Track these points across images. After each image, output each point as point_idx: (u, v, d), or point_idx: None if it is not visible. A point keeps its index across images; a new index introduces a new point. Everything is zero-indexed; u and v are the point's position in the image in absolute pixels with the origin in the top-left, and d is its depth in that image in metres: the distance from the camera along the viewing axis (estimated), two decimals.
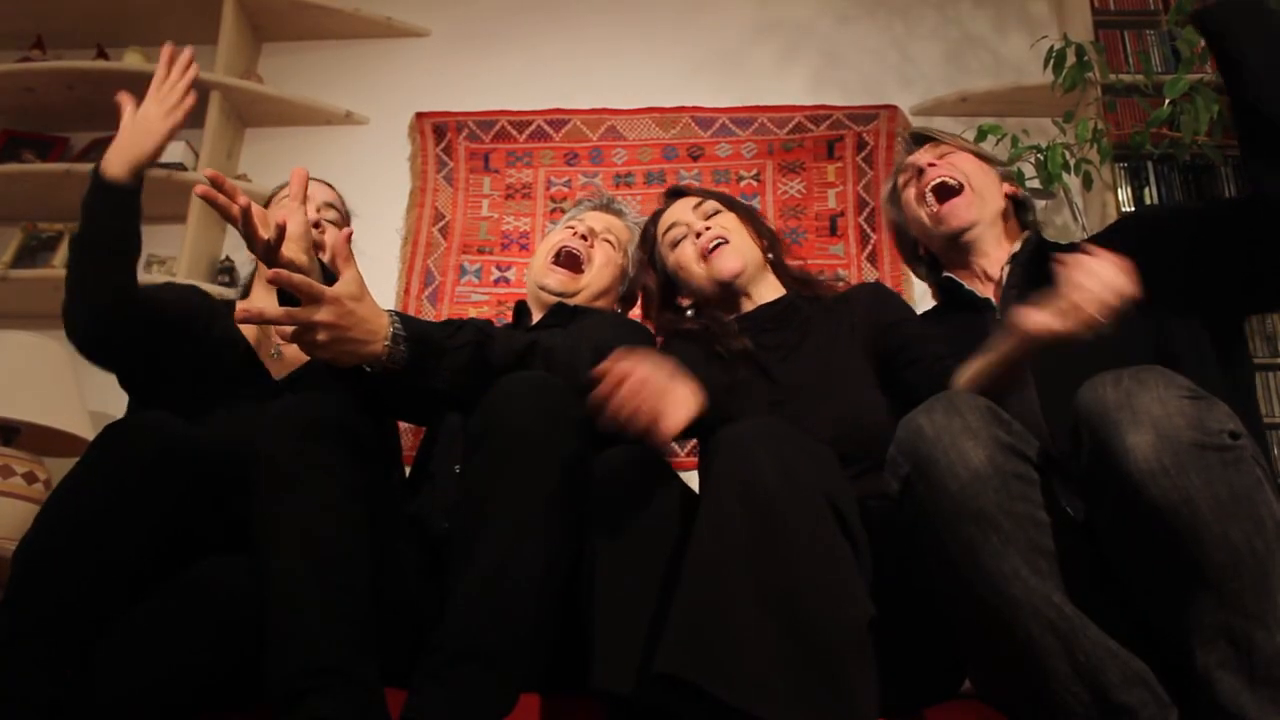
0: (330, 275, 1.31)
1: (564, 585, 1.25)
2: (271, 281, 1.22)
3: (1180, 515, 0.97)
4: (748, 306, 1.72)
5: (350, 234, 1.29)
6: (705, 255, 1.70)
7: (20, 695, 1.14)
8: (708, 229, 1.72)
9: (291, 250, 1.31)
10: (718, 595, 1.07)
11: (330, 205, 1.86)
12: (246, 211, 1.30)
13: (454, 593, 1.19)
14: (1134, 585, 1.09)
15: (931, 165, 1.64)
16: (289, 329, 1.24)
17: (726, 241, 1.70)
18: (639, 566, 1.22)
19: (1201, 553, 0.97)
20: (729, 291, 1.71)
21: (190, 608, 1.25)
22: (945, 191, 1.60)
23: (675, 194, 1.84)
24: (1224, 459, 0.99)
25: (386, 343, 1.27)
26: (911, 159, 1.69)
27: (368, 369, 1.30)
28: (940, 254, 1.64)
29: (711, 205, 1.76)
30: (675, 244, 1.76)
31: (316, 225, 1.78)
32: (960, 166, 1.61)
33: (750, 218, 1.78)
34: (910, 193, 1.68)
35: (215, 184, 1.29)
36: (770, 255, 1.76)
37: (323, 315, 1.22)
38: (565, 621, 1.25)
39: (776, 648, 1.05)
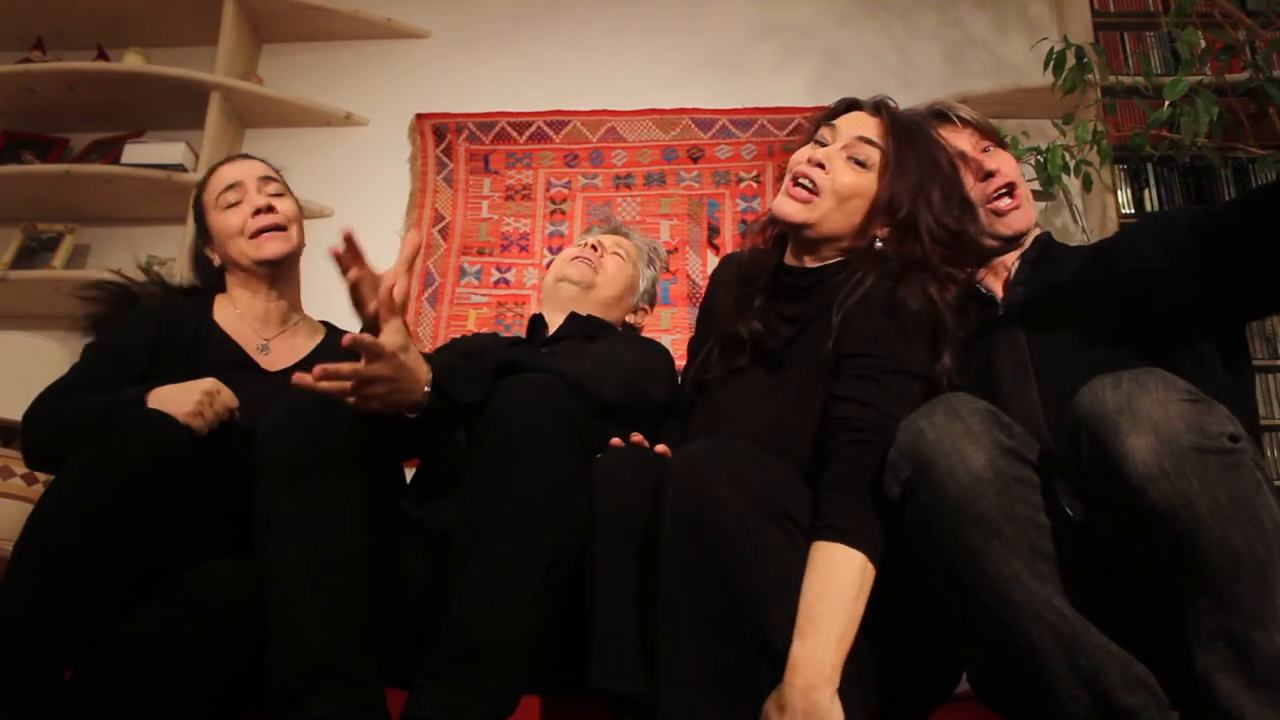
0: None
1: (565, 586, 1.25)
2: (348, 344, 1.25)
3: (1180, 518, 0.97)
4: (804, 260, 1.48)
5: (394, 284, 1.29)
6: (794, 181, 1.44)
7: (19, 697, 1.14)
8: (819, 166, 1.43)
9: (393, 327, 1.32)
10: (688, 630, 1.12)
11: (270, 178, 1.79)
12: (359, 281, 1.34)
13: (456, 592, 1.20)
14: (1134, 588, 1.09)
15: (988, 160, 1.53)
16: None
17: (814, 193, 1.42)
18: (638, 566, 1.24)
19: (1201, 555, 0.98)
20: (785, 229, 1.49)
21: (190, 610, 1.25)
22: (1005, 193, 1.53)
23: (851, 105, 1.53)
24: (1224, 462, 0.99)
25: (427, 388, 1.31)
26: (952, 140, 1.53)
27: (410, 415, 1.33)
28: None
29: (865, 152, 1.44)
30: (815, 141, 1.48)
31: (270, 209, 1.72)
32: (1010, 169, 1.53)
33: (895, 201, 1.41)
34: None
35: (349, 243, 1.31)
36: (868, 242, 1.43)
37: (382, 369, 1.26)
38: (567, 622, 1.26)
39: (755, 674, 1.12)
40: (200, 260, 1.84)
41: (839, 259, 1.45)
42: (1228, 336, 1.39)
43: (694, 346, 1.66)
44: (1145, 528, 1.00)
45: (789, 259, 1.51)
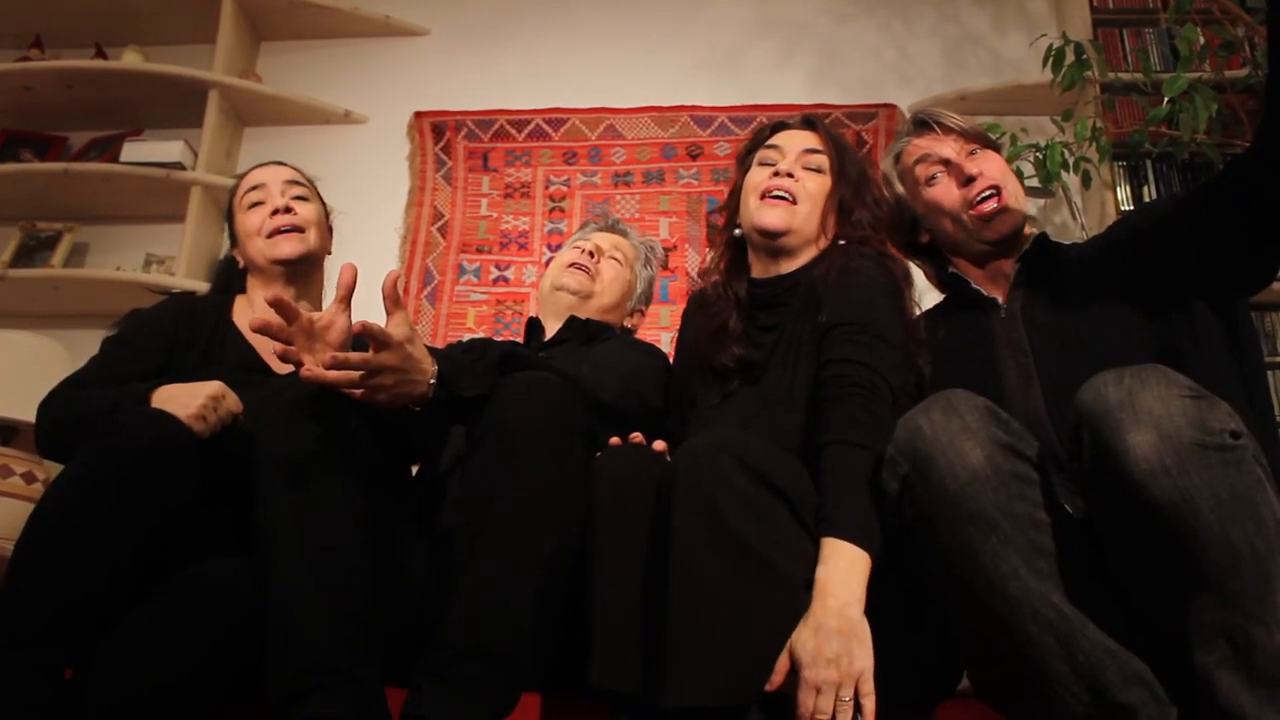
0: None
1: (565, 584, 1.25)
2: (357, 331, 1.25)
3: (1180, 514, 0.97)
4: (779, 268, 1.58)
5: (397, 276, 1.31)
6: (764, 196, 1.56)
7: (20, 697, 1.13)
8: (789, 175, 1.56)
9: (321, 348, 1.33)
10: (700, 616, 1.13)
11: (295, 182, 1.80)
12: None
13: (456, 591, 1.20)
14: (1134, 584, 1.09)
15: (971, 164, 1.55)
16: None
17: (791, 200, 1.54)
18: (638, 565, 1.24)
19: (1201, 552, 0.98)
20: (766, 242, 1.57)
21: (190, 609, 1.25)
22: (989, 195, 1.54)
23: (780, 125, 1.67)
24: (1225, 459, 0.99)
25: (433, 381, 1.31)
26: (935, 148, 1.58)
27: (416, 408, 1.33)
28: (955, 249, 1.61)
29: (816, 160, 1.59)
30: (761, 163, 1.61)
31: (288, 210, 1.73)
32: (994, 171, 1.55)
33: (845, 200, 1.57)
34: (943, 190, 1.56)
35: (281, 309, 1.29)
36: (834, 238, 1.58)
37: (390, 359, 1.25)
38: (567, 620, 1.26)
39: (764, 647, 1.12)
40: (224, 263, 1.86)
41: (804, 262, 1.55)
42: (1230, 319, 1.39)
43: (674, 383, 1.67)
44: (1146, 524, 1.00)
45: (757, 274, 1.60)
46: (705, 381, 1.56)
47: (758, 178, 1.59)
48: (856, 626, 1.11)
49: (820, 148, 1.60)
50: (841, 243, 1.56)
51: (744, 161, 1.67)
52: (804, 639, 1.10)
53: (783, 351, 1.49)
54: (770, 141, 1.64)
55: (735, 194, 1.66)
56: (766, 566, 1.15)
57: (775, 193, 1.55)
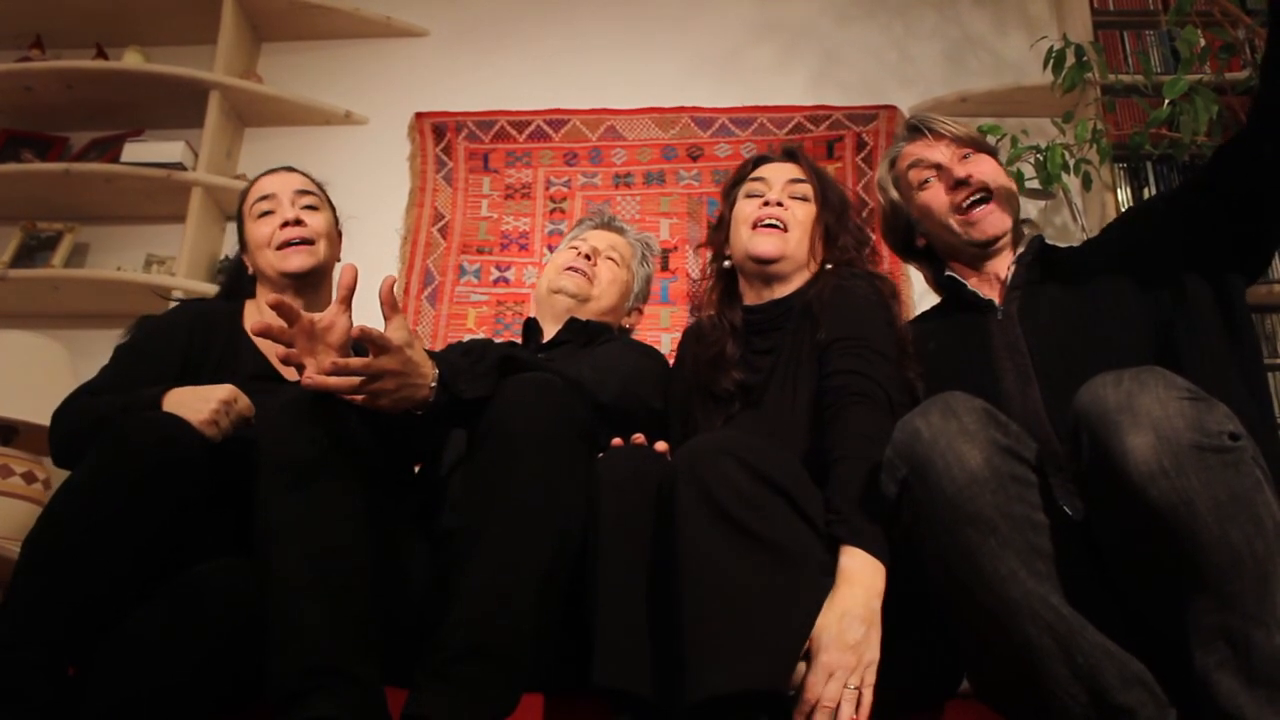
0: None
1: (567, 584, 1.25)
2: (355, 335, 1.25)
3: (1179, 516, 0.97)
4: (773, 294, 1.63)
5: (394, 281, 1.31)
6: (756, 226, 1.62)
7: (21, 696, 1.14)
8: (779, 205, 1.63)
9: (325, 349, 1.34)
10: (721, 607, 1.13)
11: (306, 192, 1.79)
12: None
13: (457, 591, 1.20)
14: (1133, 586, 1.09)
15: (961, 167, 1.57)
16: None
17: (783, 229, 1.61)
18: (640, 565, 1.24)
19: (1200, 554, 0.98)
20: (760, 269, 1.62)
21: (192, 610, 1.25)
22: (978, 200, 1.56)
23: (762, 159, 1.74)
24: (1224, 460, 0.99)
25: (433, 385, 1.31)
26: (927, 153, 1.60)
27: (417, 413, 1.33)
28: (949, 253, 1.62)
29: (802, 189, 1.66)
30: (748, 195, 1.67)
31: (298, 222, 1.73)
32: (985, 174, 1.57)
33: (830, 227, 1.64)
34: (933, 194, 1.59)
35: (282, 311, 1.29)
36: (825, 265, 1.63)
37: (390, 363, 1.26)
38: (568, 620, 1.26)
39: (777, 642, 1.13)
40: (232, 266, 1.85)
41: (796, 287, 1.61)
42: (1229, 317, 1.40)
43: (674, 411, 1.67)
44: (1145, 526, 1.00)
45: (750, 301, 1.65)
46: (706, 408, 1.58)
47: (747, 209, 1.65)
48: (877, 617, 1.16)
49: (803, 177, 1.67)
50: (829, 266, 1.62)
51: (729, 195, 1.72)
52: (827, 623, 1.13)
53: (781, 373, 1.52)
54: (755, 174, 1.70)
55: (723, 226, 1.71)
56: (777, 551, 1.16)
57: (767, 221, 1.61)
